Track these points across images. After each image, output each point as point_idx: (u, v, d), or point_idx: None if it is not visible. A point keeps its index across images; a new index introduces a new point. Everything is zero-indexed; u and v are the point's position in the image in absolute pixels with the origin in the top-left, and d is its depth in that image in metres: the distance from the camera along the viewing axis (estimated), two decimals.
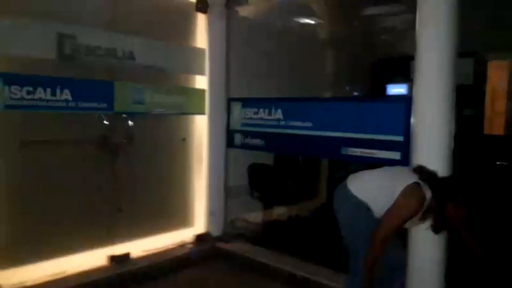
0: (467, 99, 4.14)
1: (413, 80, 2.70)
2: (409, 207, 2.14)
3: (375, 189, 2.31)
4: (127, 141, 3.49)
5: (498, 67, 4.96)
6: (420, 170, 2.27)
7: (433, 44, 2.60)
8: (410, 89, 2.87)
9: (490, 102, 4.96)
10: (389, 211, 2.15)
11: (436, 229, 2.26)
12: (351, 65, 5.66)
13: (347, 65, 5.69)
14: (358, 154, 3.07)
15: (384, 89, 4.99)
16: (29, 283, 2.94)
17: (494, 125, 4.94)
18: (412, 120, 2.71)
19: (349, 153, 3.14)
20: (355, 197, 2.33)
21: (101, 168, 3.38)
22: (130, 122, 3.52)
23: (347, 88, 5.71)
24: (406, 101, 2.79)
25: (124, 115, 3.48)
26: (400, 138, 2.83)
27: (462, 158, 2.81)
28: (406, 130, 2.77)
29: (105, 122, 3.36)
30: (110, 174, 3.42)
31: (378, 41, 5.88)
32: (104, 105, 3.28)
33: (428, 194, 2.13)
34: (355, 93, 5.69)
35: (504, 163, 3.91)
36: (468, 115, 4.53)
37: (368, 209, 2.27)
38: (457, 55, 2.59)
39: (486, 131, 4.80)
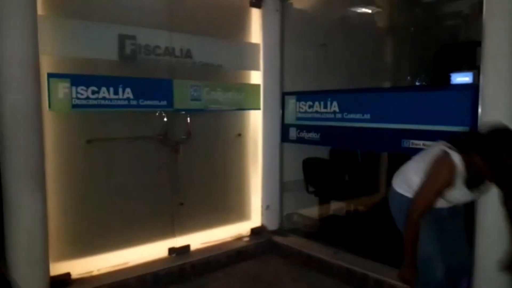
0: None
1: (479, 68, 2.53)
2: (438, 175, 2.00)
3: (413, 176, 2.17)
4: (186, 137, 3.60)
5: None
6: (452, 137, 2.12)
7: (502, 28, 2.41)
8: (476, 77, 2.68)
9: None
10: (422, 184, 2.05)
11: (468, 184, 2.03)
12: (412, 54, 5.40)
13: (408, 54, 5.44)
14: (420, 147, 2.92)
15: (448, 78, 4.71)
16: (95, 273, 3.13)
17: None
18: (479, 110, 2.53)
19: (410, 146, 3.00)
20: (399, 194, 2.27)
21: (162, 164, 3.51)
22: (189, 119, 3.61)
23: (408, 78, 5.46)
24: (472, 89, 2.62)
25: (183, 112, 3.58)
26: (466, 130, 2.65)
27: None
28: (473, 121, 2.59)
29: (165, 119, 3.47)
30: (171, 169, 3.55)
31: (441, 28, 5.55)
32: (164, 102, 3.41)
33: (457, 158, 1.96)
34: (417, 83, 5.42)
35: None
36: None
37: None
38: None
39: None
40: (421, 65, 5.40)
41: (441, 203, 2.14)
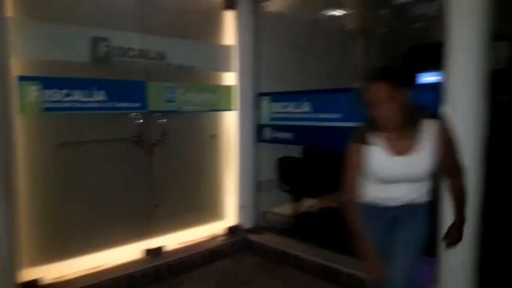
0: (503, 84, 3.99)
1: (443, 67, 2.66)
2: (348, 149, 1.99)
3: None
4: (161, 139, 3.61)
5: None
6: None
7: (463, 28, 2.55)
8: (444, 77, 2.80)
9: None
10: None
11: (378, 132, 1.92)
12: (382, 55, 5.55)
13: (378, 55, 5.58)
14: None
15: (418, 78, 4.86)
16: (69, 277, 3.11)
17: None
18: (444, 108, 2.67)
19: None
20: None
21: (137, 166, 3.51)
22: (163, 120, 3.63)
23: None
24: (435, 88, 2.74)
25: (158, 114, 3.59)
26: None
27: (497, 145, 2.74)
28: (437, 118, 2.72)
29: (140, 121, 3.47)
30: (146, 171, 3.56)
31: (410, 30, 5.74)
32: (139, 104, 3.41)
33: (363, 124, 1.95)
34: None
35: None
36: (504, 101, 4.36)
37: None
38: (491, 38, 2.52)
39: None
40: (391, 65, 5.55)
41: (381, 191, 1.98)
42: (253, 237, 4.05)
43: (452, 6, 2.57)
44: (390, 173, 1.91)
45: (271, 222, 4.30)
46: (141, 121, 3.48)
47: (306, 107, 3.71)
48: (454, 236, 2.09)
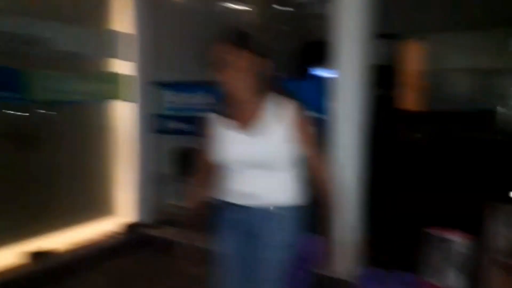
0: (384, 78, 4.41)
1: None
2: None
3: None
4: (45, 132, 3.32)
5: (413, 47, 5.32)
6: None
7: (348, 27, 2.78)
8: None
9: (404, 81, 5.33)
10: None
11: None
12: (279, 50, 5.76)
13: (276, 50, 5.77)
14: None
15: (305, 71, 5.15)
16: None
17: (408, 102, 5.32)
18: (329, 99, 2.84)
19: None
20: None
21: (16, 160, 3.19)
22: (46, 112, 3.34)
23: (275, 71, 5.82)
24: (321, 81, 2.94)
25: (40, 105, 3.28)
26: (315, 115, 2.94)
27: (378, 133, 3.01)
28: (321, 108, 2.90)
29: (17, 113, 3.15)
30: (27, 167, 3.25)
31: (308, 27, 6.03)
32: (14, 94, 3.06)
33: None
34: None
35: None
36: (385, 94, 4.82)
37: None
38: (373, 36, 2.80)
39: (399, 107, 5.17)
40: (288, 60, 5.81)
41: (229, 181, 1.74)
42: (152, 231, 3.93)
43: (338, 6, 2.79)
44: (233, 153, 1.66)
45: (172, 215, 4.21)
46: (19, 113, 3.17)
47: (203, 97, 3.69)
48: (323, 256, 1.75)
